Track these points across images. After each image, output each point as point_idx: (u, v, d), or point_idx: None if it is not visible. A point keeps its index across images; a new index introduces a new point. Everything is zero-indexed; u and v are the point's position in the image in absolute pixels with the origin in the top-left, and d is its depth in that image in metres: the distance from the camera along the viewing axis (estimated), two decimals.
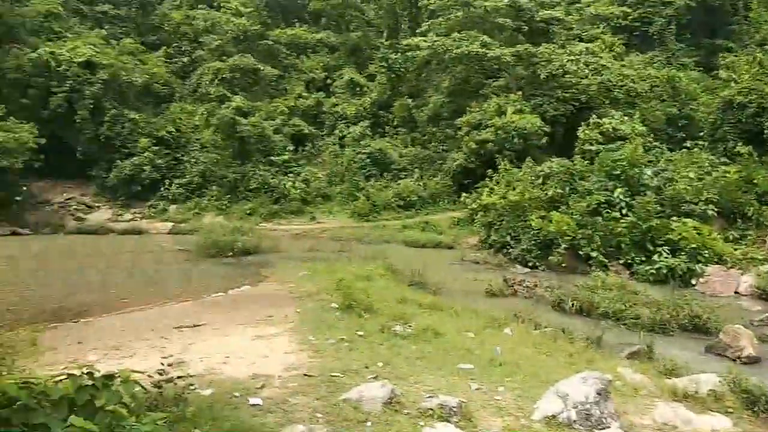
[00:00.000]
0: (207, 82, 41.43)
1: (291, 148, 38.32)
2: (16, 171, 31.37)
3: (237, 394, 6.88)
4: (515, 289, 14.95)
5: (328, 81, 44.19)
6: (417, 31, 38.81)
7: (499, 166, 25.26)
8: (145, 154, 35.28)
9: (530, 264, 19.74)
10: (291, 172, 36.35)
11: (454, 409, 6.12)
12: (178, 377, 6.39)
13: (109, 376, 4.25)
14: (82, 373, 4.16)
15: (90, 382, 4.12)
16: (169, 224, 32.57)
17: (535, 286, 15.00)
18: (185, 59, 44.48)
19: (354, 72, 43.09)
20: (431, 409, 6.13)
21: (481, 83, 35.78)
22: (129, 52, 42.07)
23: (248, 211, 33.02)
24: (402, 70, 40.28)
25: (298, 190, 34.11)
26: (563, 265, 18.66)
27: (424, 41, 32.27)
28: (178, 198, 35.24)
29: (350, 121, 40.11)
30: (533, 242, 19.89)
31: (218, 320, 11.80)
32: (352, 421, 5.95)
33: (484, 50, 29.70)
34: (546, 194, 20.73)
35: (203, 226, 28.70)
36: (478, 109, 31.33)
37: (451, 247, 25.32)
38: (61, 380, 4.18)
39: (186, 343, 9.86)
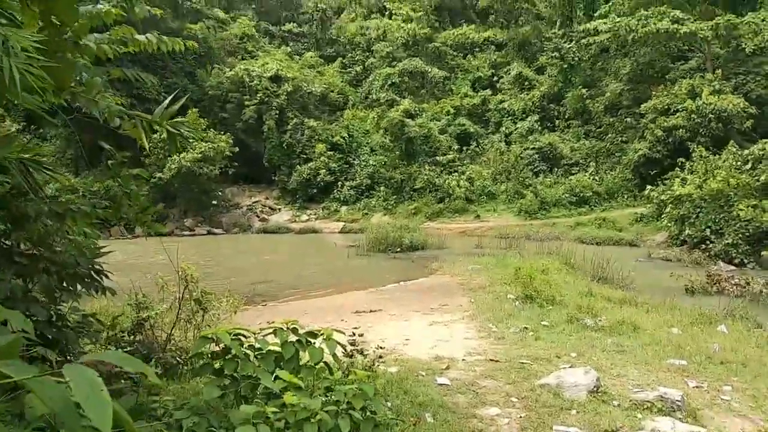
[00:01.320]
0: (377, 88, 43.19)
1: (456, 147, 38.26)
2: (213, 177, 35.50)
3: (422, 373, 6.70)
4: (722, 286, 12.88)
5: (495, 78, 43.35)
6: (594, 14, 36.21)
7: (693, 154, 22.27)
8: (321, 159, 37.74)
9: (737, 261, 16.98)
10: (455, 171, 36.24)
11: (678, 403, 5.22)
12: (365, 351, 6.40)
13: (312, 334, 4.24)
14: (287, 327, 4.20)
15: (294, 338, 4.14)
16: (340, 224, 34.39)
17: (748, 283, 12.77)
18: (358, 68, 46.89)
19: (522, 66, 41.67)
20: (648, 402, 5.29)
21: (666, 68, 32.20)
22: (309, 65, 45.75)
23: (413, 210, 33.60)
24: (576, 59, 38.01)
25: (463, 189, 33.80)
26: None
27: (604, 23, 29.72)
28: (349, 199, 37.10)
29: (517, 117, 38.89)
30: (741, 235, 17.08)
31: (394, 307, 11.89)
32: (554, 408, 5.37)
33: (675, 26, 26.38)
34: (758, 180, 17.64)
35: (371, 225, 29.86)
36: (665, 92, 28.13)
37: (634, 244, 22.97)
38: (267, 334, 4.26)
39: (366, 325, 10.02)
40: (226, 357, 4.06)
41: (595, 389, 5.67)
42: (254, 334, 4.14)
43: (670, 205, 20.59)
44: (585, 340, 8.14)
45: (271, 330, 4.15)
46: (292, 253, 25.39)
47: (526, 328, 8.93)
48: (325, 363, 4.16)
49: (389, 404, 5.33)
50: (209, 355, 4.14)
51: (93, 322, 4.79)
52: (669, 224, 20.73)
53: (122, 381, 5.04)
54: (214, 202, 37.30)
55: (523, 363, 7.02)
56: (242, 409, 3.43)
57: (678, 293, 12.50)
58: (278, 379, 3.82)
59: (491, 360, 7.29)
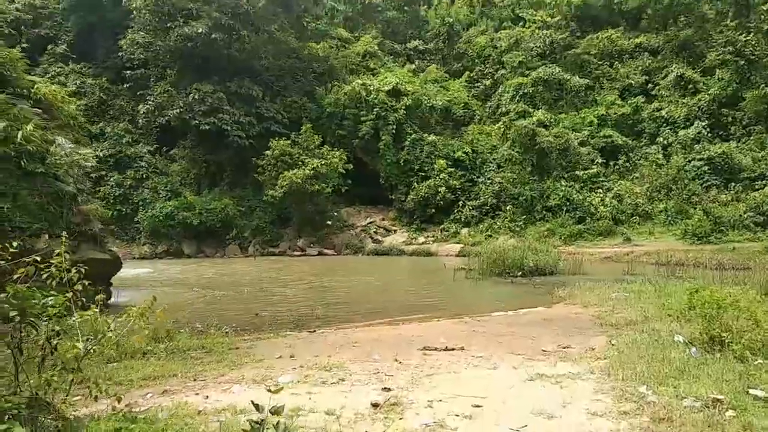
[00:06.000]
0: (507, 100, 38.84)
1: (600, 161, 32.45)
2: (326, 195, 33.61)
3: None
4: None
5: (649, 85, 36.76)
6: None
7: None
8: (441, 176, 34.20)
9: None
10: (600, 188, 30.46)
11: None
12: None
13: None
14: None
15: None
16: (458, 246, 30.26)
17: None
18: (487, 82, 42.87)
19: (684, 68, 34.73)
20: None
21: None
22: (433, 80, 42.84)
23: (546, 233, 28.44)
24: (755, 53, 30.65)
25: (609, 208, 27.99)
26: None
27: None
28: (471, 220, 32.97)
29: (678, 125, 32.14)
30: None
31: (483, 345, 7.85)
32: None
33: None
34: None
35: (492, 246, 25.38)
36: None
37: None
38: None
39: (423, 373, 6.17)
40: None
41: None
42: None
43: None
44: None
45: None
46: (392, 274, 21.94)
47: (717, 400, 4.43)
48: None
49: None
50: None
51: None
52: None
53: None
54: (329, 222, 35.43)
55: None
56: None
57: None
58: None
59: None
